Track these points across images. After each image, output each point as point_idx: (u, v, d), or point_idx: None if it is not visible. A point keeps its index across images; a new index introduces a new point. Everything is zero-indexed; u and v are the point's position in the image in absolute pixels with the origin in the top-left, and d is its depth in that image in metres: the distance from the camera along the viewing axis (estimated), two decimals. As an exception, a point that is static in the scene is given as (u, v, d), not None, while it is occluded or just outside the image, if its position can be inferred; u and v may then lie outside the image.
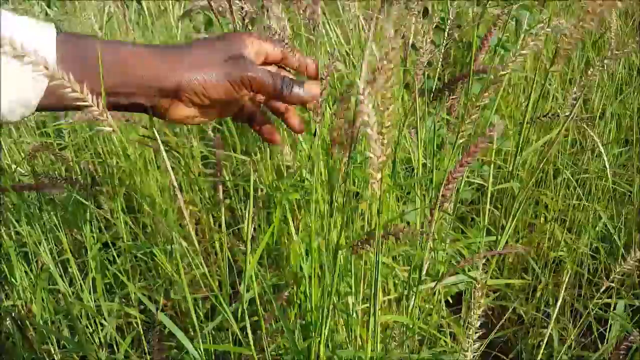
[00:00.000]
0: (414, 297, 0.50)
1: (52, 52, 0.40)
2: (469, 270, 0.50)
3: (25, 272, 0.85)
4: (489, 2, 1.05)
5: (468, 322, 0.47)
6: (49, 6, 1.55)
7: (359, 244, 0.45)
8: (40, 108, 0.41)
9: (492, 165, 0.78)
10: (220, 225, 1.43)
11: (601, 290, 0.52)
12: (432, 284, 0.49)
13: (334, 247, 0.44)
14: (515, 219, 0.53)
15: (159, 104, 0.47)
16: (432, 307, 0.65)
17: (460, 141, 0.47)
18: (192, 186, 1.41)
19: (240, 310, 0.50)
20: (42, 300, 0.78)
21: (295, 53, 0.51)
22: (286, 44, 0.50)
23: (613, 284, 0.51)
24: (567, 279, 1.15)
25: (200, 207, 1.42)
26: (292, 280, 0.61)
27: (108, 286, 1.01)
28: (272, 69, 0.52)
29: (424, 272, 0.48)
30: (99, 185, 1.19)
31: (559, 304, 0.61)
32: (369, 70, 0.39)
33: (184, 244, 0.46)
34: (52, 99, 0.41)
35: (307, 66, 0.52)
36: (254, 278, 0.47)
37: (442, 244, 0.60)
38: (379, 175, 0.34)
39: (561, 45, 0.38)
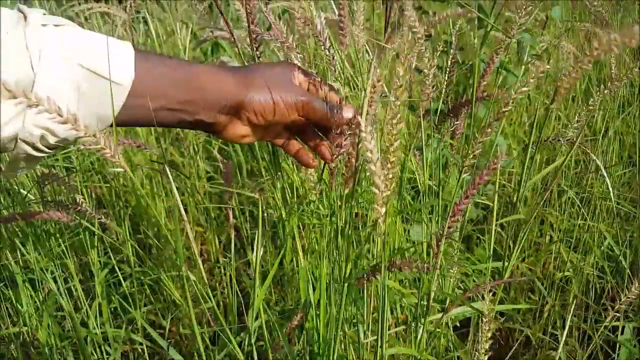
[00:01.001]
0: (422, 328, 0.50)
1: (130, 70, 0.42)
2: (475, 299, 0.50)
3: (31, 295, 0.85)
4: (492, 25, 1.07)
5: (476, 350, 0.47)
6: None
7: (366, 276, 0.45)
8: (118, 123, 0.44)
9: (497, 185, 0.78)
10: (225, 247, 1.43)
11: (608, 318, 0.52)
12: (439, 315, 0.49)
13: (342, 278, 0.44)
14: (521, 245, 0.53)
15: (218, 120, 0.49)
16: (439, 330, 0.64)
17: (465, 175, 0.47)
18: (198, 206, 1.42)
19: (247, 341, 0.50)
20: (48, 326, 0.78)
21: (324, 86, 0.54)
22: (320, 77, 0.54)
23: (619, 314, 0.51)
24: (573, 301, 1.14)
25: (206, 227, 1.42)
26: (299, 306, 0.60)
27: (114, 308, 1.01)
28: None
29: (431, 301, 0.48)
30: (105, 207, 1.19)
31: (566, 328, 0.61)
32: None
33: (192, 277, 0.46)
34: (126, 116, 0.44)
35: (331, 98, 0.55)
36: (262, 311, 0.47)
37: (449, 270, 0.61)
38: (383, 210, 0.35)
39: (561, 84, 0.39)
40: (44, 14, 0.41)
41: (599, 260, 1.17)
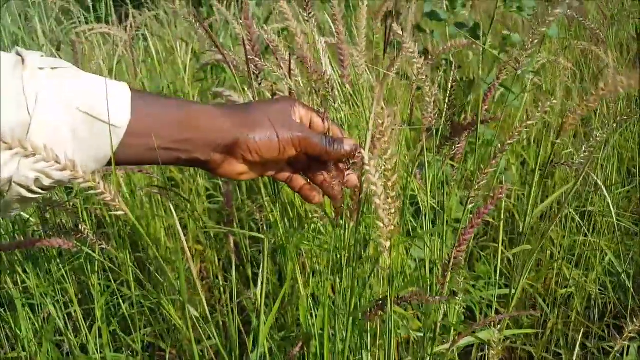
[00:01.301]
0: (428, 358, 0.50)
1: (127, 112, 0.43)
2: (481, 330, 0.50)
3: (30, 318, 0.84)
4: (489, 44, 1.07)
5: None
6: (58, 49, 1.58)
7: (372, 310, 0.45)
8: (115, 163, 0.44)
9: (502, 213, 0.78)
10: (224, 266, 1.42)
11: (617, 346, 0.51)
12: (446, 346, 0.49)
13: (347, 311, 0.44)
14: (526, 273, 0.53)
15: (213, 158, 0.49)
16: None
17: (471, 206, 0.47)
18: (197, 223, 1.41)
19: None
20: (47, 352, 0.77)
21: (328, 122, 0.55)
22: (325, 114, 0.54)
23: (626, 342, 0.50)
24: (575, 318, 1.14)
25: (205, 244, 1.41)
26: (300, 335, 0.60)
27: (113, 331, 1.00)
28: None
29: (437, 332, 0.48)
30: (105, 227, 1.19)
31: (575, 350, 0.60)
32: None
33: (194, 312, 0.46)
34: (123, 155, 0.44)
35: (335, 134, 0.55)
36: (265, 349, 0.47)
37: (455, 296, 0.60)
38: (388, 244, 0.35)
39: (567, 120, 0.39)
40: (42, 56, 0.41)
41: (601, 276, 1.17)
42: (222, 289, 1.13)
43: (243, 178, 0.53)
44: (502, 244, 1.24)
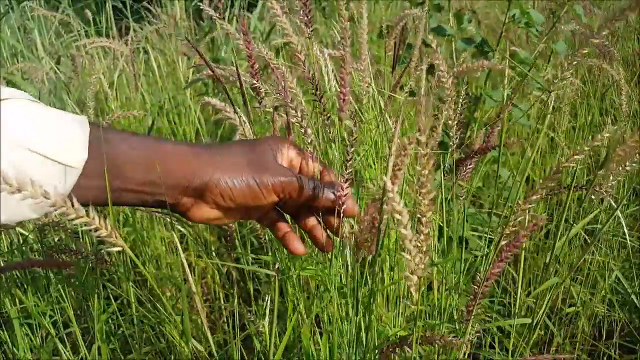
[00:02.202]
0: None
1: (82, 151, 0.39)
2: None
3: (29, 337, 0.82)
4: (495, 57, 1.07)
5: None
6: (58, 63, 1.57)
7: (392, 348, 0.43)
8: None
9: (522, 254, 0.76)
10: (225, 281, 1.40)
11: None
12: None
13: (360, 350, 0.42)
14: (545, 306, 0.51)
15: (181, 201, 0.45)
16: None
17: (502, 243, 0.45)
18: (198, 238, 1.39)
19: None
20: (46, 374, 0.75)
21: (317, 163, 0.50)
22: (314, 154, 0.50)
23: None
24: (581, 336, 1.12)
25: (205, 259, 1.39)
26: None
27: (112, 350, 0.98)
28: None
29: None
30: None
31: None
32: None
33: (199, 347, 0.44)
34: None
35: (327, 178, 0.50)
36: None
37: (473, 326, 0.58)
38: (415, 278, 0.33)
39: (616, 153, 0.37)
40: None
41: (607, 294, 1.16)
42: (223, 306, 1.10)
43: (216, 223, 0.48)
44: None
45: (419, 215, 0.32)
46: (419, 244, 0.34)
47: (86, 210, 0.34)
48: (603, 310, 1.14)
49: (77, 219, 0.33)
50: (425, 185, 0.32)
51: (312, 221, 0.50)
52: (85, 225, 0.33)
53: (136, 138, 0.43)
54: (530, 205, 0.46)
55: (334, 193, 0.46)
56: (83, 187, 0.39)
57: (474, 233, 1.11)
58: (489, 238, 1.16)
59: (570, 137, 1.30)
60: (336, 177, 0.50)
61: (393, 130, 0.39)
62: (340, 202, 0.45)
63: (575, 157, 0.42)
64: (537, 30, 0.86)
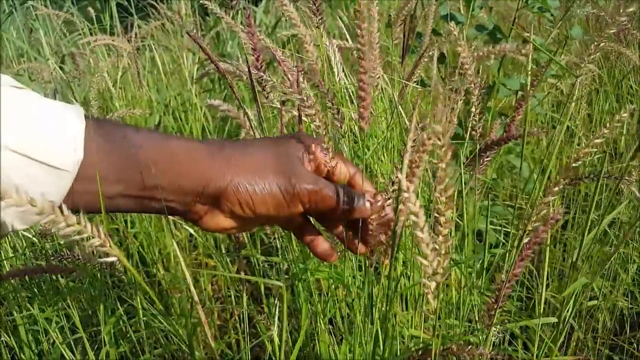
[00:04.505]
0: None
1: (77, 151, 0.33)
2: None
3: (37, 343, 0.81)
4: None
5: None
6: (62, 62, 1.55)
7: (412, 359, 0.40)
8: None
9: (546, 259, 0.73)
10: (236, 279, 1.38)
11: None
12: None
13: None
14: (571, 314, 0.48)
15: (193, 209, 0.39)
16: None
17: (525, 239, 0.42)
18: (207, 235, 1.38)
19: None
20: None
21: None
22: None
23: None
24: (601, 330, 1.08)
25: (215, 257, 1.37)
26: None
27: (122, 352, 0.96)
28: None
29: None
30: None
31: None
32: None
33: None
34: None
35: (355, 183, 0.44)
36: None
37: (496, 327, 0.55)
38: (433, 285, 0.30)
39: None
40: None
41: (629, 287, 1.12)
42: (233, 307, 1.08)
43: (231, 232, 0.42)
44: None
45: (436, 214, 0.29)
46: (437, 247, 0.32)
47: (77, 217, 0.31)
48: (625, 304, 1.11)
49: (67, 228, 0.30)
50: (443, 180, 0.29)
51: (340, 228, 0.44)
52: (78, 234, 0.30)
53: (141, 134, 0.37)
54: (552, 198, 0.43)
55: (370, 202, 0.41)
56: (76, 194, 0.34)
57: (491, 226, 1.08)
58: (505, 231, 1.13)
59: (587, 126, 1.26)
60: (366, 179, 0.44)
61: (408, 123, 0.36)
62: (382, 215, 0.40)
63: (596, 140, 0.39)
64: (552, 15, 0.82)
